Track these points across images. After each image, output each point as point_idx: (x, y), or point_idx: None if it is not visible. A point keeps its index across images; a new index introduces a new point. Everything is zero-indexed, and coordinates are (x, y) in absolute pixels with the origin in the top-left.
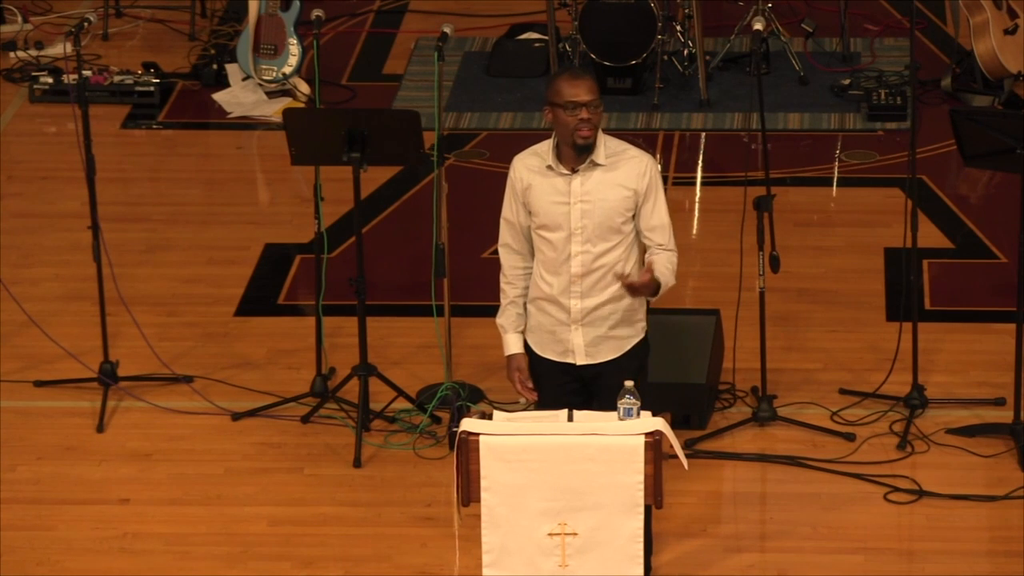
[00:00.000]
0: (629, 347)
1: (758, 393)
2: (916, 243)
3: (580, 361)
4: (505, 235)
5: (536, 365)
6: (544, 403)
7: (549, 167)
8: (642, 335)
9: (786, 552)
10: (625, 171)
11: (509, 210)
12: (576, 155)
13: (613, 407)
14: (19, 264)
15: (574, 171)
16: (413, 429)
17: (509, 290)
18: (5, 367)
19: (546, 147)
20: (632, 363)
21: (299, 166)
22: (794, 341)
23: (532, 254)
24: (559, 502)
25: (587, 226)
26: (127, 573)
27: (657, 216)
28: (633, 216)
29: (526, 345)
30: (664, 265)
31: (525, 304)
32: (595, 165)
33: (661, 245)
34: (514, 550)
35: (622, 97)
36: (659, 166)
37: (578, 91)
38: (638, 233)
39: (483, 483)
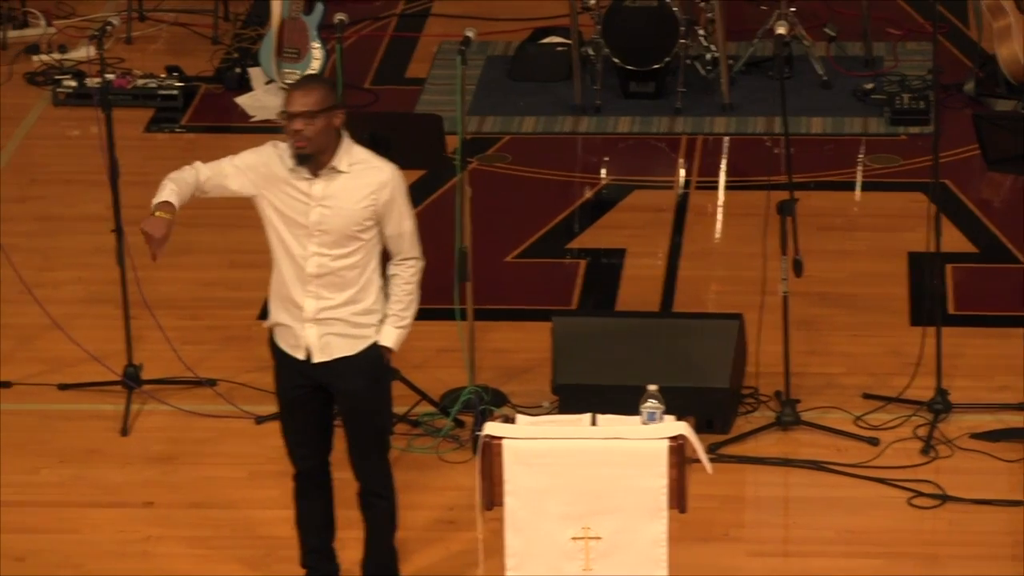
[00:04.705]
0: (363, 347)
1: (781, 397)
2: (940, 247)
3: (316, 359)
4: (224, 164)
5: (278, 356)
6: (278, 397)
7: (292, 170)
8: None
9: (809, 556)
10: (367, 180)
11: (243, 163)
12: (297, 164)
13: (348, 411)
14: (42, 267)
15: (316, 175)
16: (436, 433)
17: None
18: (29, 370)
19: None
20: (366, 363)
21: None
22: (817, 345)
23: (214, 191)
24: (582, 506)
25: (325, 230)
26: None
27: (400, 226)
28: (373, 224)
29: (272, 339)
30: (394, 320)
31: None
32: (337, 172)
33: (404, 255)
34: (537, 554)
35: (644, 101)
36: (402, 177)
37: (291, 102)
38: (383, 240)
39: (506, 487)
